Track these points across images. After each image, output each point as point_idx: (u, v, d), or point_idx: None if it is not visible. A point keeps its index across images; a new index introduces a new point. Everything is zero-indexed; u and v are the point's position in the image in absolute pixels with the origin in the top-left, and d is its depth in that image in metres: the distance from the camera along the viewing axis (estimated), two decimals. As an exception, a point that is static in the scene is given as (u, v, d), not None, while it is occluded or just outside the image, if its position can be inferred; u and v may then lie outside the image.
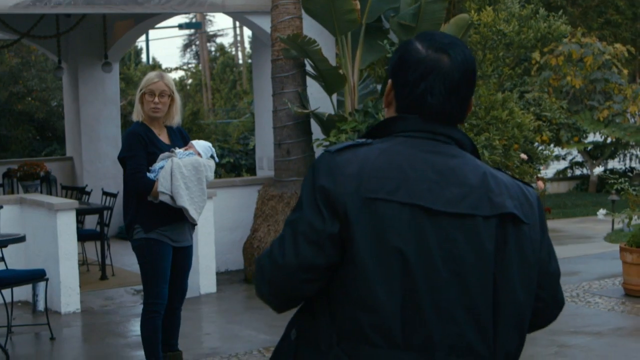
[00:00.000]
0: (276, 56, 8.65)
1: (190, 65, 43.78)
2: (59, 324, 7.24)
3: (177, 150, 5.25)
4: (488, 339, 1.92)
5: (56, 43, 12.12)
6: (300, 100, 8.63)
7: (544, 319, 2.10)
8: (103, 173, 12.33)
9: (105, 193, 10.08)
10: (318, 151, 8.67)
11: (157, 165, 5.18)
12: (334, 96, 8.90)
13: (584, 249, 10.39)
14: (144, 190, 5.18)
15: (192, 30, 39.71)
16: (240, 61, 39.90)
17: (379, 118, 8.03)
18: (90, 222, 10.50)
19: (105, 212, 9.39)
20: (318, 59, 8.30)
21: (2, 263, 7.13)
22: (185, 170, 5.18)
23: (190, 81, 38.05)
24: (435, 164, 1.93)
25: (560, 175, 18.37)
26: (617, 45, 16.32)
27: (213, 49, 43.48)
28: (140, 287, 8.44)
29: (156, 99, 5.21)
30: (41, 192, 10.82)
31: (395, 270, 1.87)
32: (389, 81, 2.04)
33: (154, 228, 5.22)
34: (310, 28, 8.74)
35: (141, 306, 7.88)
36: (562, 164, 18.61)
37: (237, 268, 9.24)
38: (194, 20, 37.93)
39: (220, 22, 62.84)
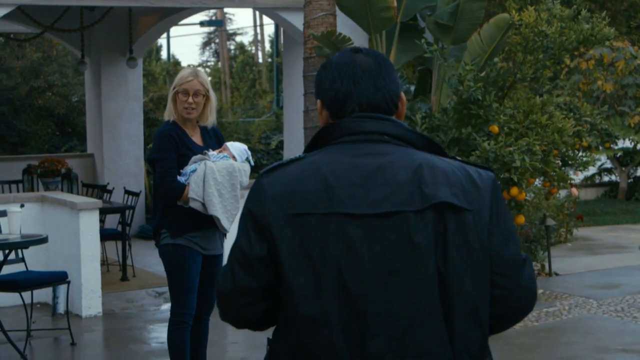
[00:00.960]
0: (308, 54, 8.34)
1: (209, 63, 43.61)
2: (80, 328, 6.98)
3: (211, 153, 4.92)
4: (441, 334, 1.87)
5: (79, 37, 11.89)
6: (332, 100, 8.33)
7: (511, 308, 1.98)
8: (124, 171, 12.11)
9: (127, 192, 9.83)
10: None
11: (188, 169, 4.86)
12: (367, 96, 8.58)
13: (621, 259, 10.00)
14: (173, 195, 4.87)
15: (212, 28, 39.49)
16: (260, 60, 39.66)
17: (415, 120, 7.70)
18: (111, 220, 10.23)
19: (127, 212, 9.14)
20: (351, 58, 7.98)
21: (22, 264, 6.89)
22: (219, 175, 4.84)
23: (209, 79, 37.88)
24: (362, 167, 1.92)
25: (589, 182, 18.00)
26: (650, 49, 15.94)
27: (232, 47, 43.23)
28: (162, 289, 8.21)
29: (190, 99, 4.90)
30: (62, 190, 10.57)
31: (327, 282, 1.86)
32: (318, 101, 2.05)
33: (182, 234, 4.90)
34: (343, 25, 8.44)
35: (163, 310, 7.70)
36: (591, 170, 18.23)
37: (262, 272, 8.94)
38: (214, 18, 37.72)
39: (240, 21, 62.92)
